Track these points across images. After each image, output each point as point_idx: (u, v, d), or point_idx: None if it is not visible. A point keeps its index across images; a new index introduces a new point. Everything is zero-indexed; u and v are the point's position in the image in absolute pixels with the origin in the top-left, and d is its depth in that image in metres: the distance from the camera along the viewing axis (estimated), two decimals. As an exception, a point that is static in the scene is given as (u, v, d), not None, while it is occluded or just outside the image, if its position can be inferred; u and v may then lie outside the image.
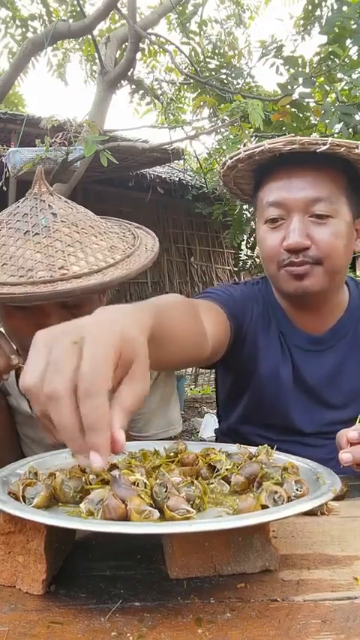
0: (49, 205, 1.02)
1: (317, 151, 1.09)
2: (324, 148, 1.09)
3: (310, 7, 5.38)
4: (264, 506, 0.60)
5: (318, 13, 5.30)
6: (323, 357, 1.28)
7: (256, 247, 1.28)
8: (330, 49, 4.19)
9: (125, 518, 0.56)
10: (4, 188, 4.21)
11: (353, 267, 10.85)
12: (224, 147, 4.56)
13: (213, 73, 5.52)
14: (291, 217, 1.16)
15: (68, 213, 1.03)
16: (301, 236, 1.13)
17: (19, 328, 1.03)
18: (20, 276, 0.92)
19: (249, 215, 6.12)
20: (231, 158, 1.23)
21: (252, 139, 4.57)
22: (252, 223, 6.13)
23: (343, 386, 1.27)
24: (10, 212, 1.06)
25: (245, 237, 6.90)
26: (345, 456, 0.85)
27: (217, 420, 1.51)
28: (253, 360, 1.28)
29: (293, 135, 1.23)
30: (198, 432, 5.19)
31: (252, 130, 4.17)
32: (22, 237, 0.98)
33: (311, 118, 4.74)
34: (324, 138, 1.13)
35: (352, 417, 1.03)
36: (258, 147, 1.16)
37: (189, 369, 8.03)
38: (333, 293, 1.24)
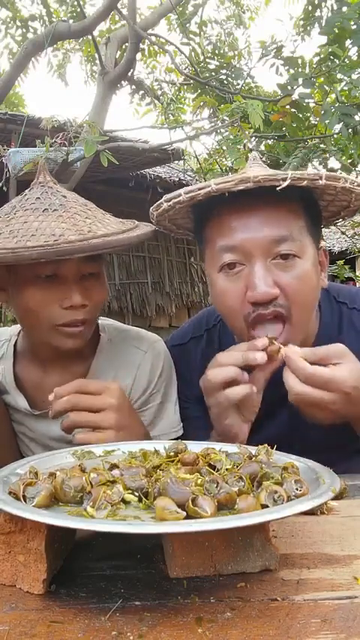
0: (57, 190, 1.13)
1: (277, 189, 0.93)
2: (284, 185, 0.93)
3: (309, 8, 5.38)
4: (264, 506, 0.60)
5: (318, 13, 5.30)
6: (280, 408, 1.12)
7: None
8: (330, 50, 4.19)
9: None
10: (4, 188, 4.21)
11: (353, 268, 10.87)
12: (224, 147, 4.56)
13: (213, 73, 5.51)
14: (252, 263, 1.01)
15: (74, 196, 1.15)
16: (267, 284, 0.99)
17: (43, 303, 1.07)
18: (54, 240, 0.99)
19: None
20: (168, 201, 1.04)
21: (252, 140, 4.57)
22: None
23: (309, 436, 1.11)
24: (20, 199, 1.13)
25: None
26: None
27: None
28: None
29: (244, 172, 1.05)
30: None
31: (252, 130, 4.18)
32: (42, 214, 1.06)
33: (311, 118, 4.75)
34: (282, 172, 0.95)
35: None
36: (203, 188, 0.97)
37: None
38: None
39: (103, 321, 1.31)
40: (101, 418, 0.95)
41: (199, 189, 0.98)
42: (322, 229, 1.17)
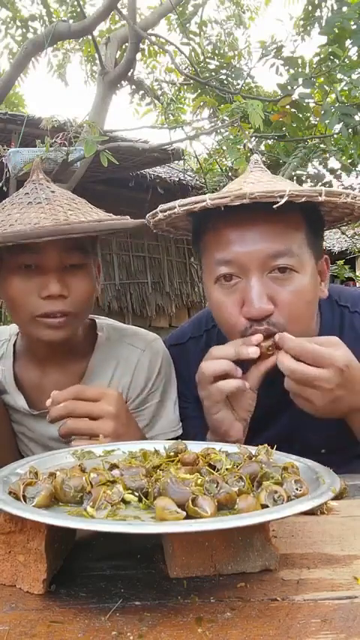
0: (47, 187, 1.15)
1: (274, 207, 0.92)
2: (282, 202, 0.91)
3: (310, 8, 5.39)
4: (264, 506, 0.60)
5: (318, 13, 5.30)
6: (280, 412, 1.15)
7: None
8: (330, 50, 4.20)
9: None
10: (4, 188, 4.21)
11: (353, 268, 10.87)
12: (224, 147, 4.56)
13: (213, 73, 5.52)
14: (248, 277, 1.00)
15: (64, 192, 1.17)
16: (262, 301, 0.98)
17: (22, 293, 1.09)
18: (29, 226, 1.03)
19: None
20: (163, 211, 1.02)
21: (252, 140, 4.57)
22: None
23: (319, 427, 1.09)
24: (12, 197, 1.17)
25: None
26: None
27: None
28: None
29: (244, 180, 1.05)
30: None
31: (252, 130, 4.18)
32: (25, 207, 1.08)
33: (311, 118, 4.75)
34: (279, 189, 0.92)
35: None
36: (198, 202, 0.95)
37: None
38: None
39: (101, 320, 1.31)
40: (98, 426, 0.94)
41: (195, 202, 0.96)
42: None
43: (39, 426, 1.22)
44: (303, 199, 0.92)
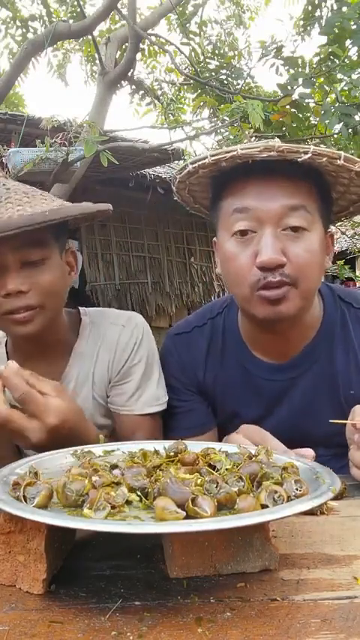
0: (3, 184, 1.15)
1: (298, 160, 0.98)
2: (305, 157, 0.97)
3: (309, 8, 5.38)
4: (264, 506, 0.60)
5: (318, 13, 5.30)
6: (292, 387, 1.19)
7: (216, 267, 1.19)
8: (330, 50, 4.20)
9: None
10: (4, 188, 4.20)
11: (353, 267, 10.86)
12: (224, 147, 4.57)
13: (213, 73, 5.52)
14: (263, 230, 1.03)
15: (19, 186, 1.16)
16: (275, 251, 1.01)
17: None
18: None
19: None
20: (193, 163, 1.06)
21: (252, 140, 4.56)
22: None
23: (319, 418, 1.16)
24: None
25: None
26: None
27: None
28: (220, 404, 1.26)
29: (267, 140, 1.12)
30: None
31: (252, 130, 4.18)
32: None
33: (311, 118, 4.75)
34: (304, 146, 1.00)
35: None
36: (228, 152, 1.01)
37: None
38: (304, 316, 1.14)
39: (86, 309, 1.35)
40: (28, 427, 0.94)
41: (226, 152, 1.01)
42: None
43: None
44: (324, 159, 0.98)
